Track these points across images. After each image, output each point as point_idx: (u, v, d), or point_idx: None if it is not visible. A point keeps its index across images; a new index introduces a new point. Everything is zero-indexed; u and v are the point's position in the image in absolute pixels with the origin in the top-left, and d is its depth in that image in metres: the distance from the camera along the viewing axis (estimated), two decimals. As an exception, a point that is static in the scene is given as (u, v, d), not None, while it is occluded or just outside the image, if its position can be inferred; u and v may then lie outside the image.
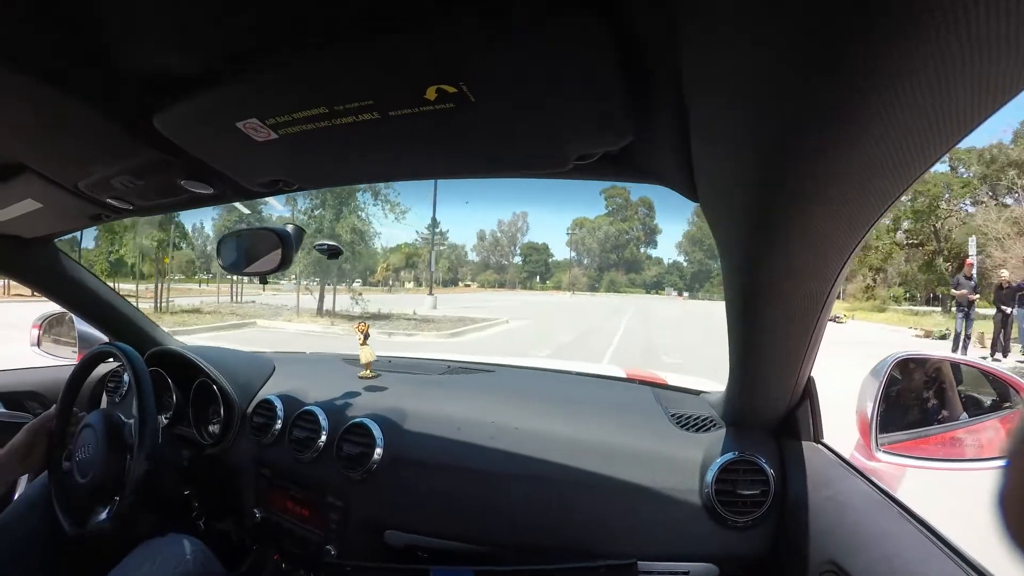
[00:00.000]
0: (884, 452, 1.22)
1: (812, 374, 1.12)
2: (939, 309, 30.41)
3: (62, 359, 2.31)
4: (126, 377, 1.81)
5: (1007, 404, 1.39)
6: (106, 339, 2.02)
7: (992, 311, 13.42)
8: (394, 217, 18.47)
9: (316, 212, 17.61)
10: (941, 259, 33.44)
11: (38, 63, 0.72)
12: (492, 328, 17.99)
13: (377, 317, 18.07)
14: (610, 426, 1.36)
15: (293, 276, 19.65)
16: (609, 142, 0.78)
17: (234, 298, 27.07)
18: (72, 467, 1.42)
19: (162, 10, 0.61)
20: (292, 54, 0.65)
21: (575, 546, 1.23)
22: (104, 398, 2.02)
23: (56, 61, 0.72)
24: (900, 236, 35.20)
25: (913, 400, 1.46)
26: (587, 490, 1.24)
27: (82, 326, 2.18)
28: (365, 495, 1.40)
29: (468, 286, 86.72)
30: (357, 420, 1.46)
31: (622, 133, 0.75)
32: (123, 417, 1.47)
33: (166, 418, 1.78)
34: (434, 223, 38.26)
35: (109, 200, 1.26)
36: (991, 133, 31.96)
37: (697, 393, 1.55)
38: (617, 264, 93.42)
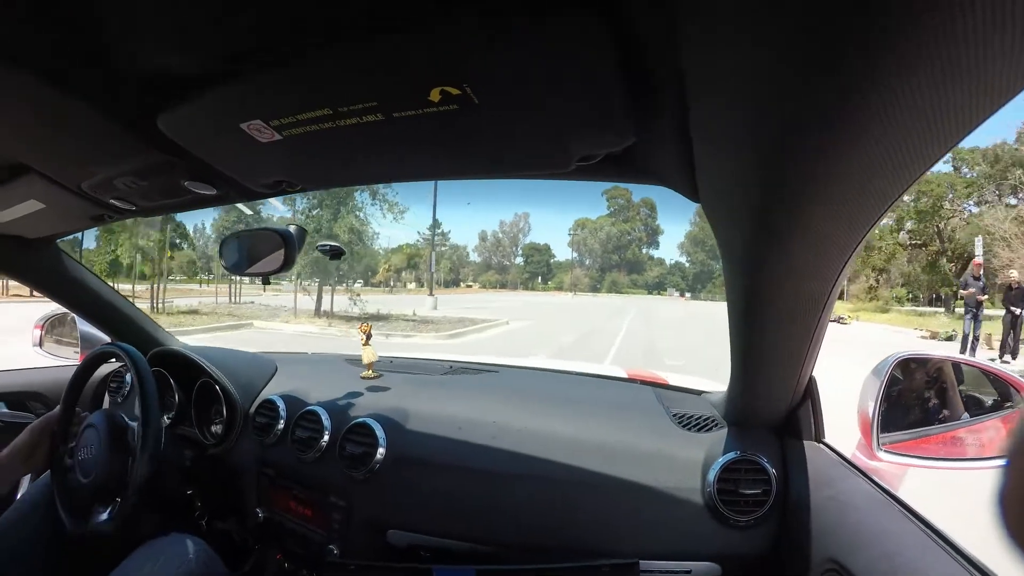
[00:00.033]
0: (885, 452, 1.23)
1: (814, 374, 1.13)
2: (943, 310, 30.30)
3: (64, 359, 2.32)
4: (128, 377, 1.82)
5: (1008, 404, 1.39)
6: (108, 339, 2.03)
7: (1000, 312, 13.27)
8: (392, 217, 18.43)
9: (313, 212, 17.51)
10: (945, 260, 33.31)
11: (41, 64, 0.72)
12: (492, 329, 17.89)
13: (375, 318, 17.99)
14: (612, 426, 1.37)
15: (293, 277, 19.50)
16: (611, 143, 0.79)
17: (232, 299, 27.02)
18: (75, 467, 1.42)
19: (165, 11, 0.62)
20: (296, 55, 0.66)
21: (579, 546, 1.23)
22: (106, 398, 2.03)
23: (60, 62, 0.72)
24: (903, 237, 35.06)
25: (914, 400, 1.47)
26: (591, 490, 1.24)
27: (84, 326, 2.19)
28: (368, 495, 1.41)
29: (470, 287, 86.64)
30: (360, 420, 1.46)
31: (624, 134, 0.76)
32: (126, 418, 1.48)
33: (168, 418, 1.79)
34: (435, 224, 38.25)
35: (112, 201, 1.26)
36: (996, 132, 31.91)
37: (698, 393, 1.56)
38: (619, 265, 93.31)
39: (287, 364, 1.94)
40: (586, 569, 1.17)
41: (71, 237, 1.73)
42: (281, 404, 1.64)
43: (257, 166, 1.01)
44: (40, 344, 2.35)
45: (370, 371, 1.75)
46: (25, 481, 1.79)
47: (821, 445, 1.21)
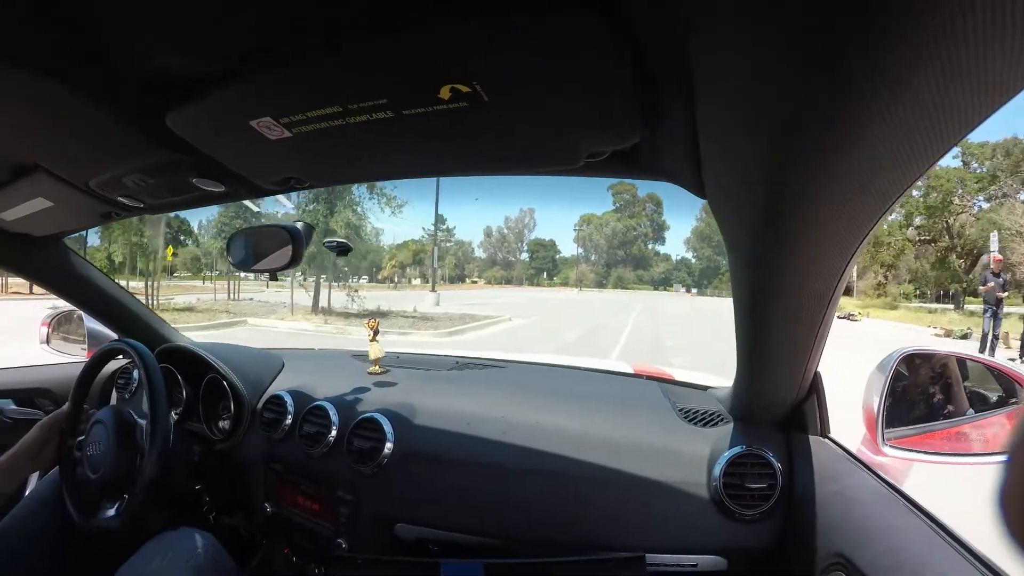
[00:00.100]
0: (890, 447, 1.24)
1: (819, 369, 1.13)
2: (952, 307, 30.10)
3: (72, 356, 2.33)
4: (136, 373, 1.84)
5: (1013, 400, 1.40)
6: (115, 336, 2.05)
7: (1019, 309, 12.91)
8: (391, 211, 18.39)
9: (309, 207, 17.39)
10: (954, 256, 33.06)
11: (49, 63, 0.73)
12: (494, 326, 17.82)
13: (375, 315, 17.73)
14: (619, 421, 1.38)
15: (298, 273, 19.41)
16: (619, 140, 0.79)
17: (231, 295, 26.86)
18: (83, 463, 1.44)
19: (174, 11, 0.63)
20: (306, 54, 0.66)
21: (587, 540, 1.25)
22: (114, 394, 2.04)
23: (68, 61, 0.73)
24: (911, 232, 34.79)
25: (919, 395, 1.47)
26: (600, 485, 1.26)
27: (91, 323, 2.20)
28: (376, 489, 1.43)
29: (475, 283, 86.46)
30: (367, 415, 1.48)
31: (632, 131, 0.77)
32: (133, 414, 1.50)
33: (176, 414, 1.81)
34: (437, 219, 38.31)
35: (120, 198, 1.27)
36: (1007, 126, 31.63)
37: (704, 388, 1.57)
38: (625, 260, 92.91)
39: (294, 360, 1.95)
40: (593, 563, 1.17)
41: (76, 235, 1.74)
42: (289, 399, 1.65)
43: (266, 163, 1.02)
44: (47, 341, 2.36)
45: (377, 366, 1.76)
46: (33, 478, 1.80)
47: (826, 440, 1.22)
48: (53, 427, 1.50)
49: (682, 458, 1.25)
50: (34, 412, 2.05)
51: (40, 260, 1.73)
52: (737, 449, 1.20)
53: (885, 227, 31.45)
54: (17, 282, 22.60)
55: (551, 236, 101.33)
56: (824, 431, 1.22)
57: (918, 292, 37.93)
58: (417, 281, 61.29)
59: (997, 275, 12.68)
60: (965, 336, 16.44)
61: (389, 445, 1.41)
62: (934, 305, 33.62)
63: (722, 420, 1.34)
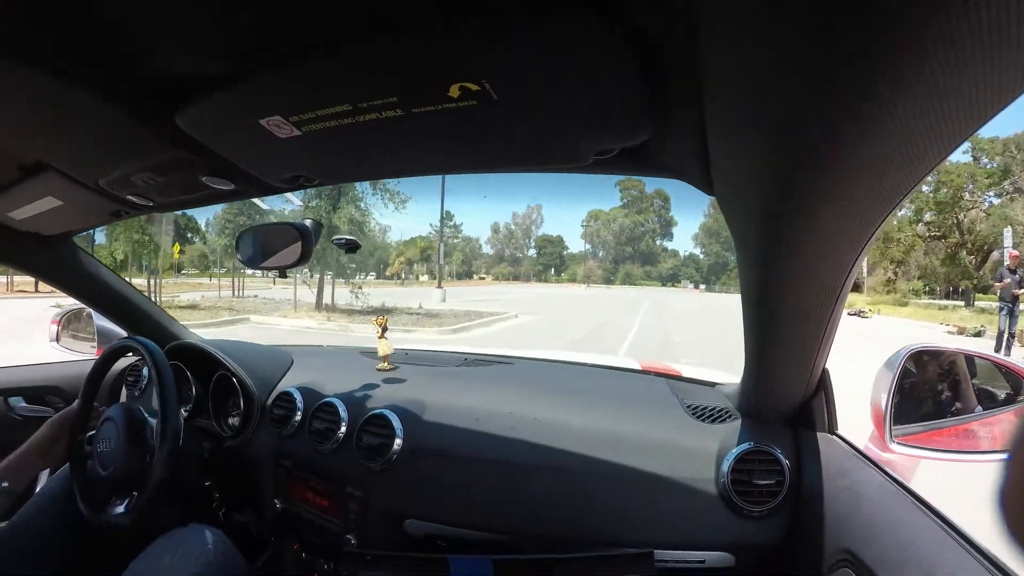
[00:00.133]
0: (898, 443, 1.24)
1: (827, 366, 1.14)
2: (962, 303, 29.85)
3: (81, 354, 2.35)
4: (145, 371, 1.86)
5: (1020, 397, 1.39)
6: (124, 334, 2.06)
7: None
8: (394, 207, 18.30)
9: (312, 203, 17.30)
10: (965, 252, 32.78)
11: (59, 63, 0.74)
12: (500, 323, 17.71)
13: (380, 311, 17.73)
14: (627, 417, 1.39)
15: (304, 269, 19.34)
16: (628, 138, 0.80)
17: (235, 293, 26.94)
18: (94, 459, 1.46)
19: (185, 9, 0.63)
20: (316, 53, 0.67)
21: (595, 536, 1.25)
22: (124, 391, 2.06)
23: (77, 61, 0.74)
24: (921, 228, 34.51)
25: (927, 392, 1.47)
26: (607, 481, 1.26)
27: (100, 321, 2.22)
28: (385, 485, 1.44)
29: (483, 279, 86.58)
30: (377, 411, 1.49)
31: (641, 129, 0.77)
32: (143, 411, 1.51)
33: (186, 411, 1.82)
34: (443, 216, 38.26)
35: (129, 197, 1.28)
36: (1018, 121, 31.29)
37: (712, 385, 1.57)
38: (632, 257, 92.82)
39: (303, 357, 1.97)
40: (602, 559, 1.18)
41: (84, 233, 1.75)
42: (298, 396, 1.66)
43: (276, 161, 1.02)
44: (57, 339, 2.38)
45: (386, 363, 1.78)
46: (44, 475, 1.82)
47: (834, 437, 1.22)
48: (63, 424, 1.52)
49: (690, 454, 1.26)
50: (44, 409, 2.07)
51: (50, 259, 1.74)
52: (745, 446, 1.21)
53: (895, 223, 31.24)
54: (22, 280, 22.71)
55: (559, 232, 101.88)
56: (832, 428, 1.23)
57: (927, 288, 37.66)
58: (424, 277, 61.43)
59: (1013, 271, 12.48)
60: (979, 334, 16.21)
61: (398, 441, 1.42)
62: (944, 302, 33.39)
63: (730, 417, 1.34)
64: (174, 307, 18.18)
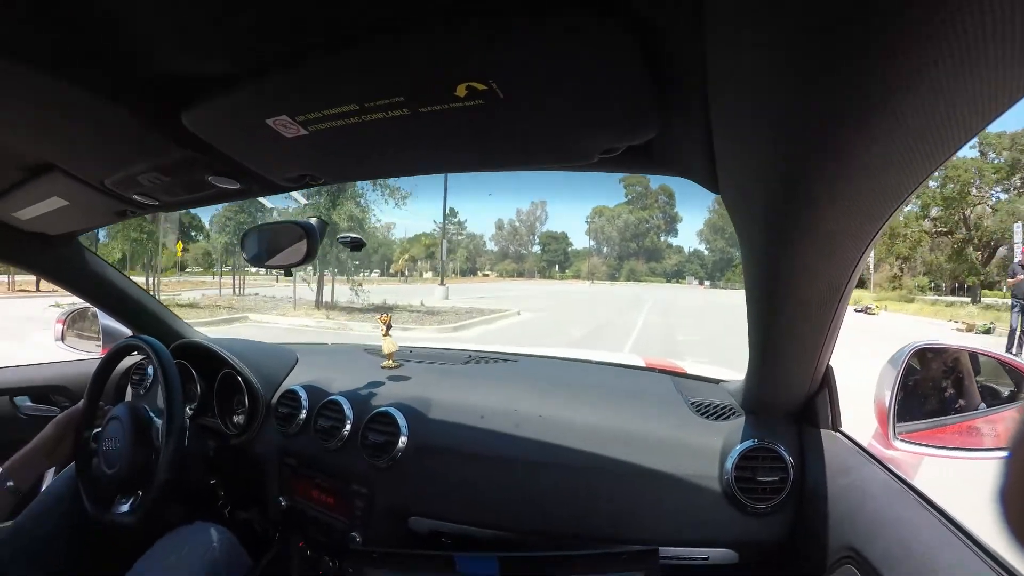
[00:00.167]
0: (901, 441, 1.25)
1: (831, 362, 1.14)
2: (968, 299, 29.70)
3: (86, 353, 2.37)
4: (150, 369, 1.87)
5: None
6: (129, 333, 2.07)
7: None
8: (394, 203, 18.22)
9: (311, 200, 17.09)
10: (971, 248, 32.58)
11: (63, 63, 0.73)
12: (501, 320, 17.65)
13: (380, 309, 17.52)
14: (631, 414, 1.39)
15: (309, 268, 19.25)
16: (634, 136, 0.80)
17: (236, 290, 26.87)
18: (99, 458, 1.47)
19: (185, 9, 0.63)
20: (323, 52, 0.67)
21: (600, 534, 1.26)
22: (129, 390, 2.06)
23: (81, 61, 0.74)
24: (927, 224, 34.30)
25: (931, 389, 1.48)
26: (612, 478, 1.27)
27: (105, 320, 2.23)
28: (390, 483, 1.44)
29: (487, 276, 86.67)
30: (381, 409, 1.49)
31: (647, 127, 0.77)
32: (149, 410, 1.53)
33: (191, 409, 1.83)
34: (445, 212, 38.15)
35: (135, 197, 1.28)
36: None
37: (716, 381, 1.58)
38: (637, 253, 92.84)
39: (308, 355, 1.98)
40: (607, 556, 1.17)
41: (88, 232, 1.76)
42: (303, 394, 1.67)
43: (282, 161, 1.02)
44: (62, 339, 2.40)
45: (390, 361, 1.79)
46: (49, 474, 1.83)
47: (838, 434, 1.22)
48: (69, 423, 1.53)
49: (694, 451, 1.27)
50: (50, 409, 2.08)
51: (55, 258, 1.75)
52: (749, 443, 1.21)
53: (901, 218, 31.04)
54: (23, 279, 22.75)
55: (563, 229, 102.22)
56: (836, 425, 1.23)
57: (932, 285, 37.47)
58: (429, 275, 61.37)
59: (1026, 267, 12.17)
60: (988, 331, 16.05)
61: (403, 439, 1.43)
62: (950, 298, 33.20)
63: (734, 413, 1.35)
64: (174, 305, 17.86)
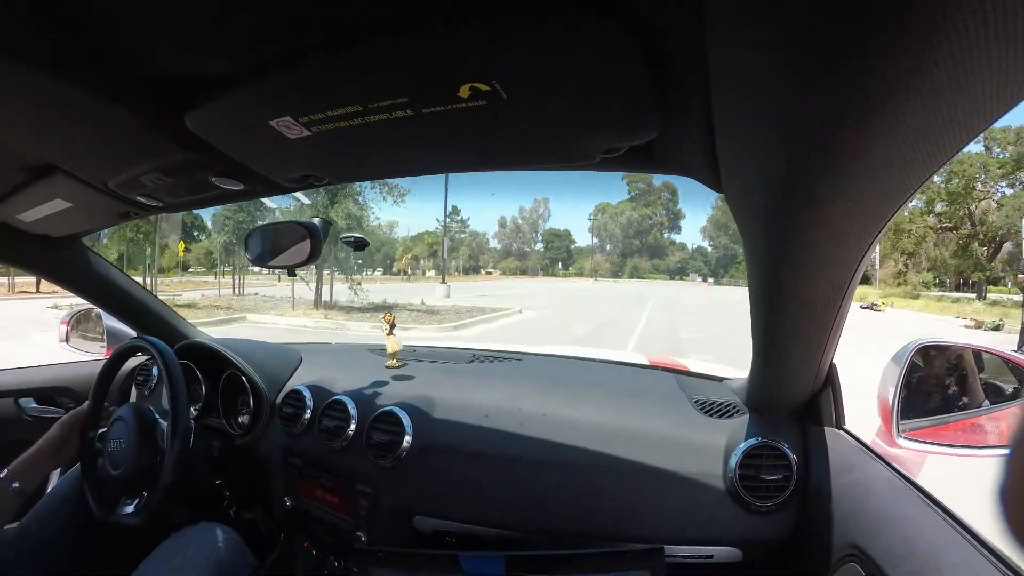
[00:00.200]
0: (905, 438, 1.25)
1: (835, 360, 1.14)
2: (973, 295, 29.59)
3: (91, 354, 2.37)
4: (155, 370, 1.87)
5: (1027, 392, 1.39)
6: (133, 334, 2.08)
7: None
8: (392, 200, 18.11)
9: (309, 199, 16.80)
10: (977, 244, 32.42)
11: (65, 64, 0.73)
12: (502, 319, 17.57)
13: (380, 308, 17.58)
14: (635, 412, 1.40)
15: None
16: (637, 136, 0.81)
17: (236, 290, 26.79)
18: (104, 459, 1.48)
19: (184, 9, 0.63)
20: (323, 52, 0.67)
21: (604, 532, 1.27)
22: (133, 391, 2.08)
23: (83, 62, 0.74)
24: (932, 219, 34.13)
25: (934, 387, 1.48)
26: (617, 476, 1.28)
27: (110, 321, 2.24)
28: (395, 482, 1.45)
29: (490, 273, 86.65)
30: (386, 409, 1.50)
31: (649, 127, 0.78)
32: (154, 411, 1.53)
33: (196, 409, 1.84)
34: (446, 211, 38.09)
35: (138, 198, 1.28)
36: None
37: (719, 379, 1.58)
38: (640, 250, 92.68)
39: (312, 355, 1.99)
40: (613, 555, 1.17)
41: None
42: (307, 394, 1.67)
43: (285, 162, 1.03)
44: (67, 340, 2.40)
45: (394, 360, 1.79)
46: (55, 475, 1.83)
47: (841, 432, 1.23)
48: (74, 425, 1.53)
49: (698, 449, 1.27)
50: (55, 410, 2.09)
51: (59, 260, 1.76)
52: (753, 441, 1.22)
53: (906, 214, 30.90)
54: (23, 281, 22.67)
55: (566, 226, 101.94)
56: (839, 423, 1.24)
57: (937, 281, 37.34)
58: (432, 273, 61.25)
59: (1036, 262, 12.08)
60: (997, 327, 15.89)
61: (408, 438, 1.43)
62: (956, 294, 33.10)
63: (737, 411, 1.36)
64: (172, 306, 17.69)
